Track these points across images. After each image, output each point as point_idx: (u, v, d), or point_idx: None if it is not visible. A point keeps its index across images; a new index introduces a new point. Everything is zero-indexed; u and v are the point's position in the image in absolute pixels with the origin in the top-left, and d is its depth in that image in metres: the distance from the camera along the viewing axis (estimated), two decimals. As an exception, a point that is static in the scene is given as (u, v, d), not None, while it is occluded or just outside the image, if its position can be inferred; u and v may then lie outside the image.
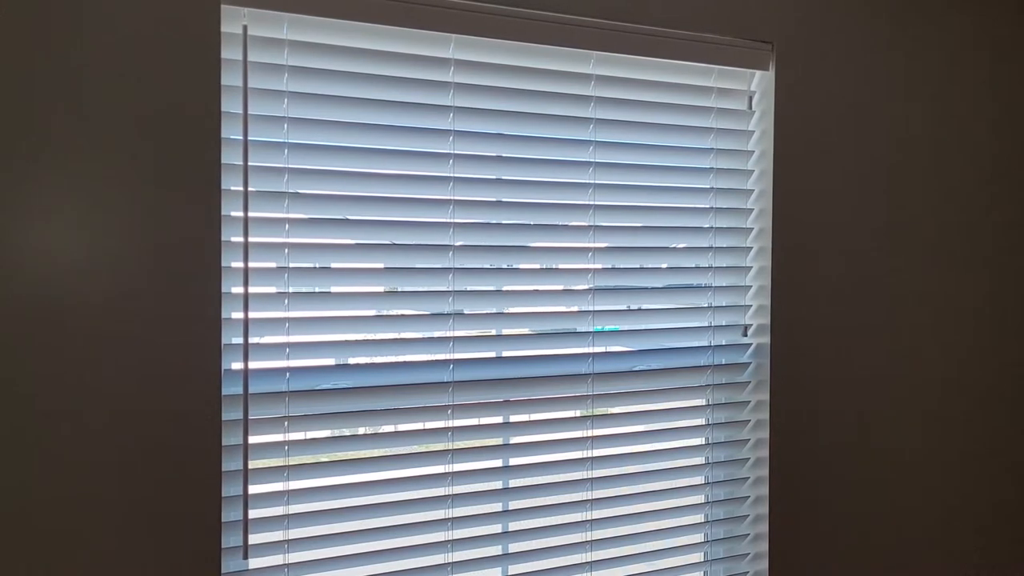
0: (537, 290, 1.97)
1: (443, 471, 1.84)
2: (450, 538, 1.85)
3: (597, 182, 1.98)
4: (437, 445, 1.84)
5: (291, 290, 1.70)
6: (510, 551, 1.94)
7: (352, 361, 1.82)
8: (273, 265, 1.69)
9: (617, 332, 2.06)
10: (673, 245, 2.11)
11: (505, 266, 1.96)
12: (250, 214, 1.63)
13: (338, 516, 1.74)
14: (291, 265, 1.70)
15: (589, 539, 1.99)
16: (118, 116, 1.51)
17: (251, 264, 1.64)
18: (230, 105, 1.62)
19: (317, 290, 1.76)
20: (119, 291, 1.52)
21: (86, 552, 1.50)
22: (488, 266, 1.92)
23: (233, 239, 1.64)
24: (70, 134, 1.47)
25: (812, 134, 2.18)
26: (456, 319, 1.85)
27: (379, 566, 1.78)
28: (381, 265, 1.82)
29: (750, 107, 2.18)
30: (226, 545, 1.64)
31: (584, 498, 1.98)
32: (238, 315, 1.63)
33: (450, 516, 1.84)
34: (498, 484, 1.92)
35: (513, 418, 1.93)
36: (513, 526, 1.93)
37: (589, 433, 1.98)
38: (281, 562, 1.70)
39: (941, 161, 2.41)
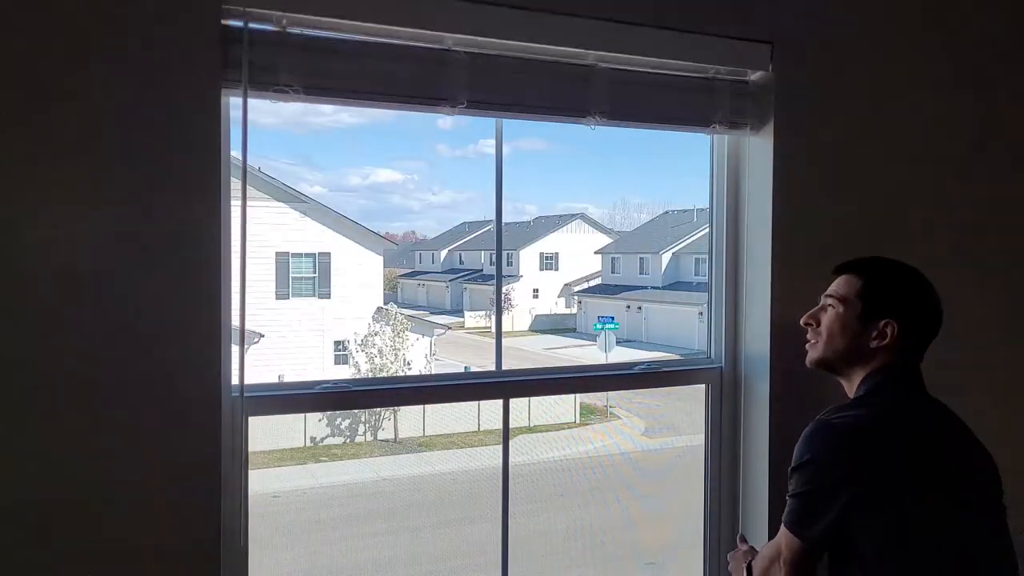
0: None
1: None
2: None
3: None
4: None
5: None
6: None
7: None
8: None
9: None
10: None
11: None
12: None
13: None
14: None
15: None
16: (118, 115, 1.51)
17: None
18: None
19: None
20: (120, 289, 1.52)
21: (86, 546, 1.51)
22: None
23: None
24: (70, 133, 1.48)
25: (812, 134, 2.17)
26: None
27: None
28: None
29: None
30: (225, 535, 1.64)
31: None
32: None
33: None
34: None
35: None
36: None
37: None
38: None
39: (941, 161, 2.39)
